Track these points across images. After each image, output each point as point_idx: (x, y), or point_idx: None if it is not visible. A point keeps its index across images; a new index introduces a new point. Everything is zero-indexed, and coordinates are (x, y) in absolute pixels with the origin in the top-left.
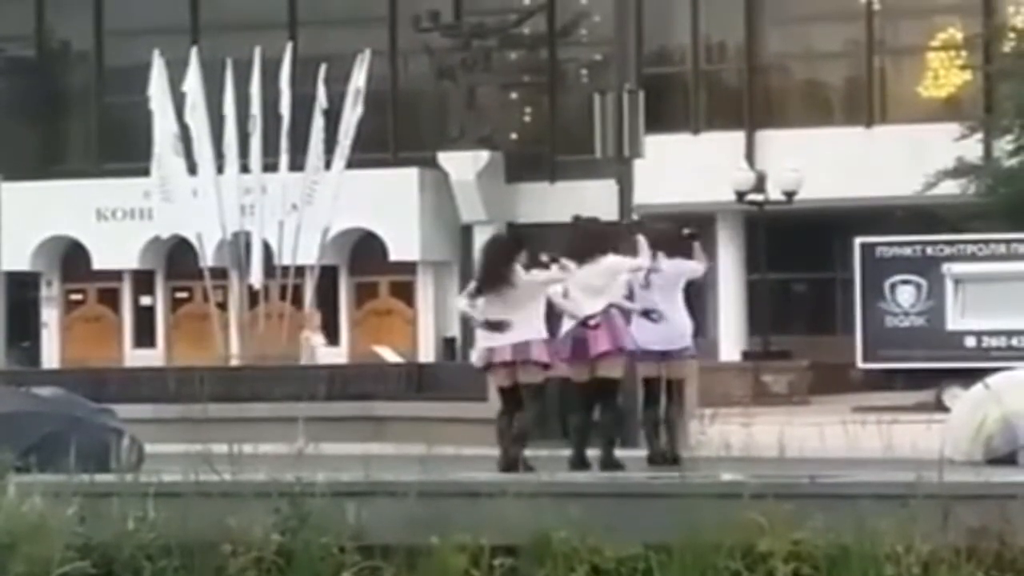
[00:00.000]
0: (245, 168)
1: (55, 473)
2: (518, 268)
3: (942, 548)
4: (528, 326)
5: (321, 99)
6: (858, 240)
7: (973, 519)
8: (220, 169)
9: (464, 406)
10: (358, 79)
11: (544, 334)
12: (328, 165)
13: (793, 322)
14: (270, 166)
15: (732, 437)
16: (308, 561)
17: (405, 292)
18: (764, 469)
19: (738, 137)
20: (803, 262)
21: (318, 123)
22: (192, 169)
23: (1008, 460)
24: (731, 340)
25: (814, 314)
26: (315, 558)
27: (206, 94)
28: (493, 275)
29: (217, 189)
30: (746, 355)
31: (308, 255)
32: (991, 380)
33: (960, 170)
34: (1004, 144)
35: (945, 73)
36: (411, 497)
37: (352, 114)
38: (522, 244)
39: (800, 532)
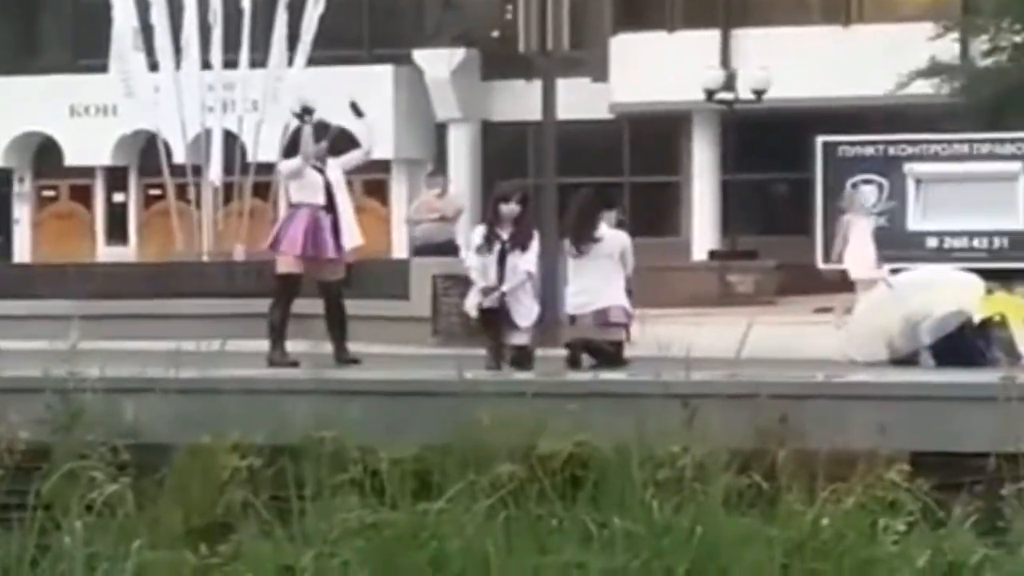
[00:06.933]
0: (207, 64)
1: None
2: None
3: (720, 450)
4: None
5: None
6: (820, 139)
7: (752, 421)
8: (178, 65)
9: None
10: None
11: None
12: (291, 62)
13: (767, 222)
14: (230, 63)
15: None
16: (64, 458)
17: (379, 190)
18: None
19: (714, 36)
20: (778, 162)
21: (282, 18)
22: (155, 66)
23: (910, 360)
24: (704, 240)
25: (788, 215)
26: (73, 455)
27: None
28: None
29: (178, 86)
30: (712, 255)
31: (272, 152)
32: (894, 280)
33: (934, 70)
34: (980, 44)
35: None
36: (186, 394)
37: (314, 10)
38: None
39: (582, 433)
